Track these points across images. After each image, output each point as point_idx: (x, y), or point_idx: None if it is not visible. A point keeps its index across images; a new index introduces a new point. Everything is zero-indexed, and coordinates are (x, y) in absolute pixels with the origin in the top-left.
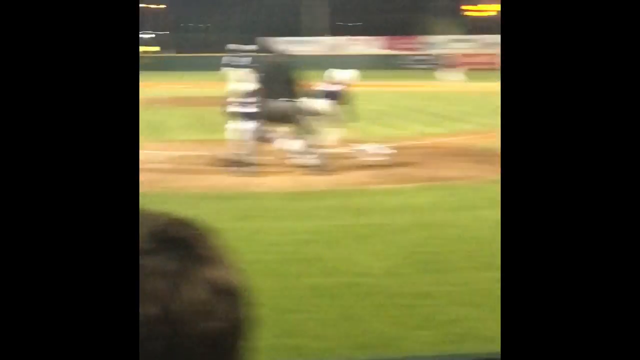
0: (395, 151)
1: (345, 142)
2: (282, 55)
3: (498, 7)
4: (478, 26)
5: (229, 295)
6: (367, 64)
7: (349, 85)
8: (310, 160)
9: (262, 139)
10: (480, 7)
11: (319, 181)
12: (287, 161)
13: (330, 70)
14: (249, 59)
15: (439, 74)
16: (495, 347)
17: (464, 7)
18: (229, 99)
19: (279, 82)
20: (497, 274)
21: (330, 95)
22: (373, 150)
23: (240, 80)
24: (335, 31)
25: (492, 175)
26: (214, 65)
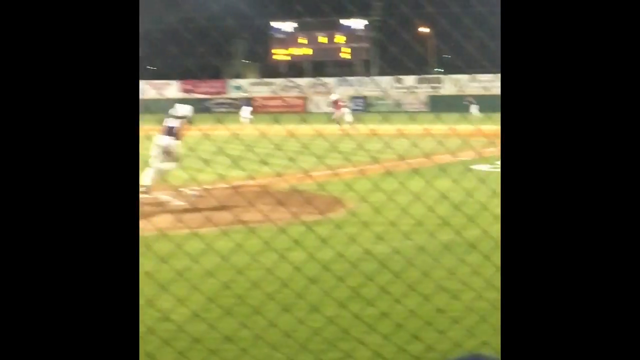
0: (196, 194)
1: (155, 185)
2: None
3: (305, 50)
4: (282, 69)
5: None
6: (167, 108)
7: (188, 120)
8: None
9: None
10: (289, 50)
11: None
12: None
13: (175, 106)
14: None
15: (241, 116)
16: None
17: (274, 51)
18: None
19: None
20: (302, 314)
21: (171, 131)
22: (170, 195)
23: None
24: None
25: (289, 218)
26: None
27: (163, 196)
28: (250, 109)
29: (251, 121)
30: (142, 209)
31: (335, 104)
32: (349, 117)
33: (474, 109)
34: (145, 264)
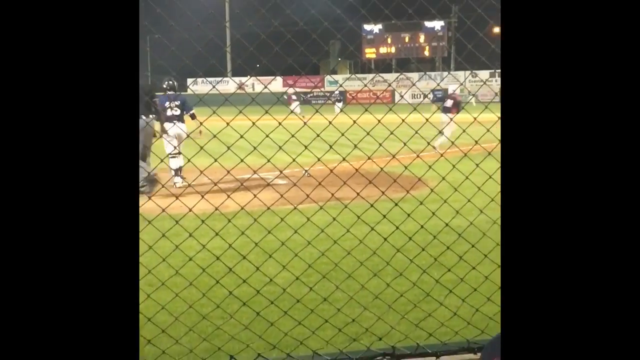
0: (308, 174)
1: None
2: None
3: (392, 49)
4: (372, 66)
5: None
6: (273, 100)
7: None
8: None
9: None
10: (378, 49)
11: (230, 203)
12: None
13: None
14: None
15: (336, 107)
16: (388, 343)
17: (365, 50)
18: None
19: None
20: (389, 279)
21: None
22: (274, 175)
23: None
24: (242, 72)
25: (378, 195)
26: None
27: (268, 175)
28: (342, 101)
29: (343, 111)
30: (250, 184)
31: (289, 97)
32: (297, 109)
33: None
34: (254, 235)
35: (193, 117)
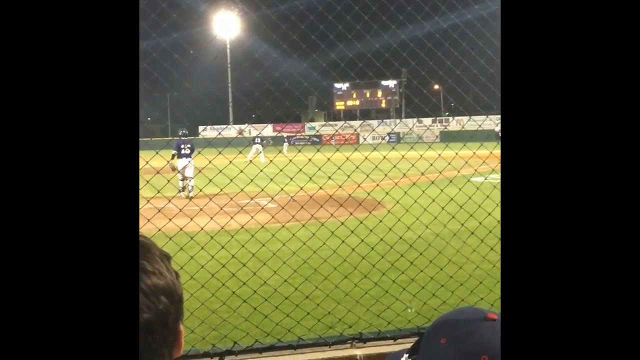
0: (294, 199)
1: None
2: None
3: (356, 102)
4: (340, 115)
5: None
6: (265, 142)
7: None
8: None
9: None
10: (346, 102)
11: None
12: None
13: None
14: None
15: (315, 147)
16: (356, 330)
17: (336, 103)
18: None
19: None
20: (356, 280)
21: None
22: (266, 200)
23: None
24: (241, 121)
25: (347, 215)
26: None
27: (262, 200)
28: (321, 143)
29: (320, 150)
30: (248, 208)
31: (253, 141)
32: (255, 153)
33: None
34: (251, 247)
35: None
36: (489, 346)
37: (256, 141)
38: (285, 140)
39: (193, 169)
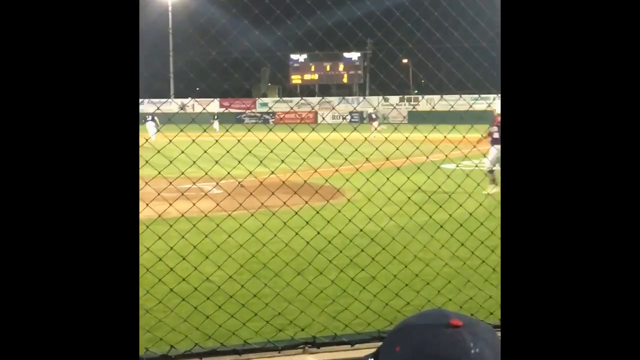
0: (243, 184)
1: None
2: None
3: (315, 76)
4: (297, 91)
5: None
6: (209, 119)
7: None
8: None
9: None
10: (303, 76)
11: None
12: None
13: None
14: None
15: (267, 126)
16: (310, 333)
17: (292, 77)
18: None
19: None
20: (311, 277)
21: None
22: (211, 185)
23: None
24: (183, 95)
25: (302, 203)
26: None
27: (205, 185)
28: (273, 121)
29: (272, 130)
30: (189, 194)
31: (213, 117)
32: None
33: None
34: (192, 238)
35: None
36: (444, 358)
37: (148, 118)
38: (216, 117)
39: None
